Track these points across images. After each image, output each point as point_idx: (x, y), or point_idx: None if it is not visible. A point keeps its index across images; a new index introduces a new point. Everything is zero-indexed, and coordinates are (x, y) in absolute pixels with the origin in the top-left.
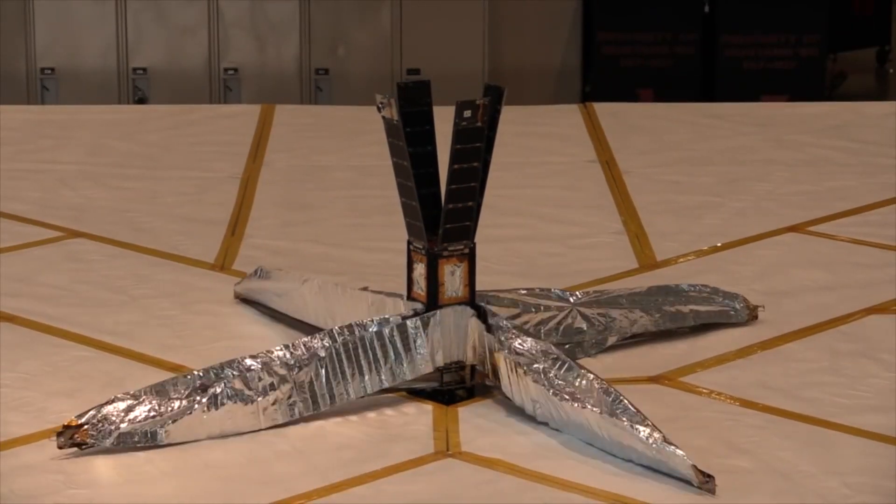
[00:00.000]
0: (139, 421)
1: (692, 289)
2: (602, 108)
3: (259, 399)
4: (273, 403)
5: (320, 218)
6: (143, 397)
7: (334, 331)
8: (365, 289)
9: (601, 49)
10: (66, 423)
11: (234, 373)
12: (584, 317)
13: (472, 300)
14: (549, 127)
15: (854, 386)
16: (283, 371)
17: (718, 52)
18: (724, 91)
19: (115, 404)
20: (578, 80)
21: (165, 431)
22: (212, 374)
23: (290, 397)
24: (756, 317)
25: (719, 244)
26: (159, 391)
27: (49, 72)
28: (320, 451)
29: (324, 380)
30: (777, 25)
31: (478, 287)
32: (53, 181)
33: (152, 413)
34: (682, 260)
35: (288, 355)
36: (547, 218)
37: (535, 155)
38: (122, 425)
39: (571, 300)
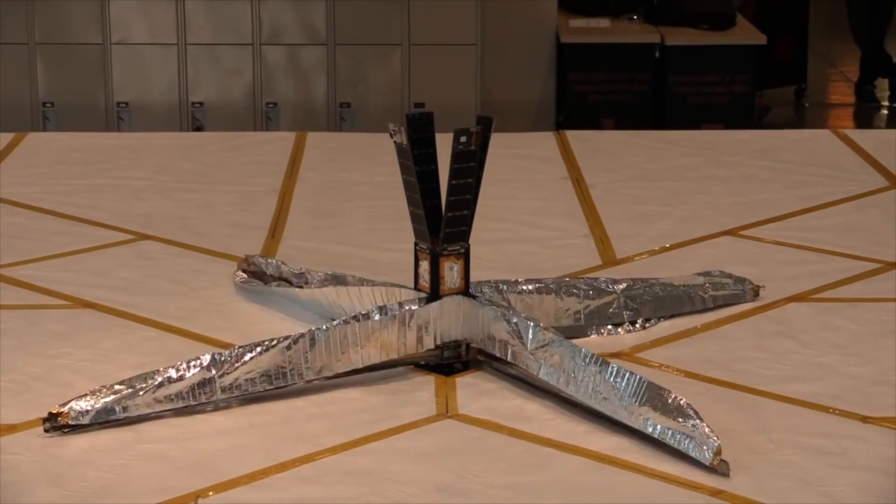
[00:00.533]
0: (112, 397)
1: (709, 277)
2: (572, 135)
3: (234, 369)
4: (248, 372)
5: (344, 224)
6: (117, 386)
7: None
8: (339, 280)
9: (572, 86)
10: (50, 412)
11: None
12: (627, 303)
13: (467, 290)
14: (530, 150)
15: (777, 360)
16: (275, 342)
17: (667, 89)
18: (671, 120)
19: (90, 394)
20: (553, 112)
21: (135, 405)
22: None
23: (279, 367)
24: (758, 294)
25: (668, 245)
26: (136, 378)
27: (124, 105)
28: (344, 413)
29: (329, 348)
30: (714, 68)
31: (472, 278)
32: (127, 194)
33: (127, 390)
34: (637, 258)
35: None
36: (527, 224)
37: (518, 173)
38: (97, 405)
39: (617, 289)
